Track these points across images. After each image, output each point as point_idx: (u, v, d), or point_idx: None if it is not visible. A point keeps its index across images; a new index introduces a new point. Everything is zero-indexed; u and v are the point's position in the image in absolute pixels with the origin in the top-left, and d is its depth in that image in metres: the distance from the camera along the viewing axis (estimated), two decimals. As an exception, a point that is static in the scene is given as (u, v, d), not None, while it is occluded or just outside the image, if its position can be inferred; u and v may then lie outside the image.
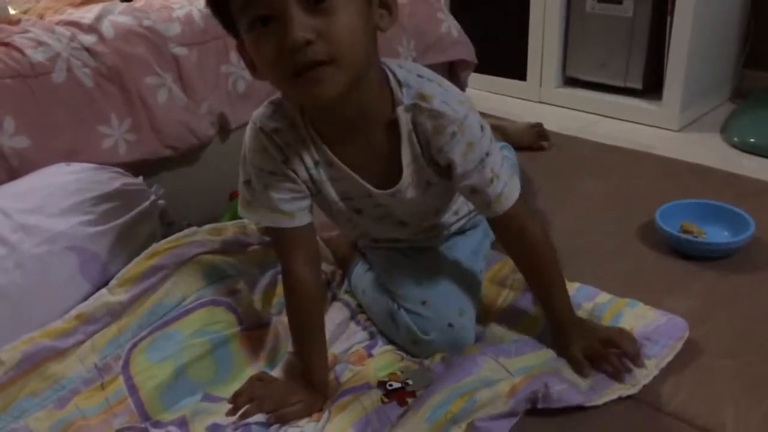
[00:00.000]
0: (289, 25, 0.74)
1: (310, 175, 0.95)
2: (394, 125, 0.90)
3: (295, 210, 0.95)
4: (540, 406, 0.92)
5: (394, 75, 0.89)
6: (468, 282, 1.09)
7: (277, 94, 0.94)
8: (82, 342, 1.00)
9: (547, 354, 1.01)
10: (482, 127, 0.91)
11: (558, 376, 0.95)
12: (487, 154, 0.91)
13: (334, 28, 0.75)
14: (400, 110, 0.89)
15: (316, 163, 0.95)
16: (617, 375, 0.96)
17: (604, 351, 0.96)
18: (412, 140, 0.91)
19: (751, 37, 2.11)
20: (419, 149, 0.92)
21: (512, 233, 0.98)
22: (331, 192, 0.98)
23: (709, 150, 1.83)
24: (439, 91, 0.89)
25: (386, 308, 1.07)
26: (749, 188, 1.54)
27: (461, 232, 1.18)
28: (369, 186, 0.95)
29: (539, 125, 1.85)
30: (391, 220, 1.05)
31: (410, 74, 0.90)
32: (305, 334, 0.99)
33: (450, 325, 1.03)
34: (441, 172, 0.95)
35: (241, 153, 0.96)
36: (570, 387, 0.93)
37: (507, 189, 0.94)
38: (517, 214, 0.96)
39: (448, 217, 1.12)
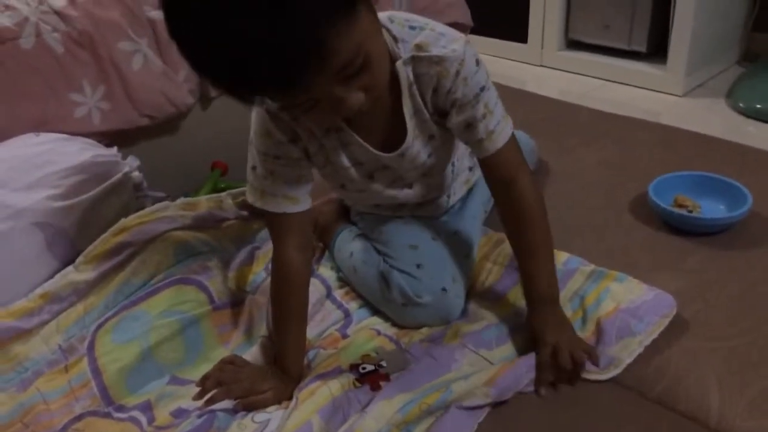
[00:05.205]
0: (345, 105, 0.75)
1: (322, 145, 0.94)
2: (394, 81, 0.89)
3: (300, 195, 0.93)
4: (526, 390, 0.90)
5: (389, 32, 0.87)
6: (464, 252, 1.08)
7: None
8: (47, 322, 0.98)
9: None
10: (478, 62, 0.90)
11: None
12: (482, 89, 0.90)
13: (374, 78, 0.76)
14: (399, 65, 0.88)
15: (327, 131, 0.93)
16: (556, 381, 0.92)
17: (564, 361, 0.91)
18: (413, 93, 0.90)
19: (761, -2, 2.02)
20: (420, 102, 0.91)
21: (502, 182, 0.96)
22: (343, 159, 0.96)
23: (713, 116, 1.76)
24: (434, 37, 0.88)
25: (377, 269, 1.05)
26: (752, 158, 1.48)
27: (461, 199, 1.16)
28: (375, 151, 0.94)
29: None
30: (401, 183, 1.03)
31: (403, 28, 0.89)
32: (287, 322, 0.95)
33: (444, 289, 1.01)
34: (441, 122, 0.94)
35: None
36: None
37: (499, 127, 0.93)
38: (509, 160, 0.95)
39: (448, 175, 1.08)
